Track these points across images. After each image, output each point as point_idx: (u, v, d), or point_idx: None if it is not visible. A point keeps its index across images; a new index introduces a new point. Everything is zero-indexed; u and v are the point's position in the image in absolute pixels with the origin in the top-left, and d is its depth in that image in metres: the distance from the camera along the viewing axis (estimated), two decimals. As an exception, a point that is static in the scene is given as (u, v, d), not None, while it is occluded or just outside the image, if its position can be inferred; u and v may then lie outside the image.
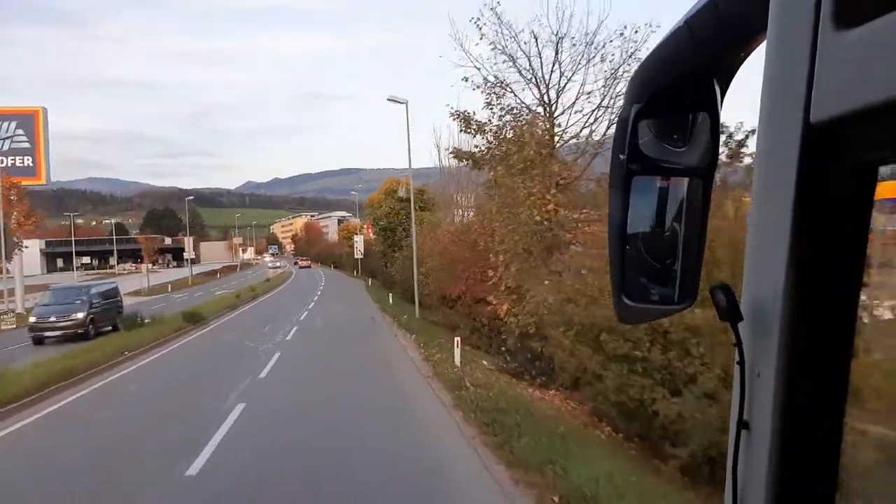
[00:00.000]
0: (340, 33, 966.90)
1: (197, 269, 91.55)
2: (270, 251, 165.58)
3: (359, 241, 62.53)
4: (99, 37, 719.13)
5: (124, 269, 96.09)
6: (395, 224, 46.33)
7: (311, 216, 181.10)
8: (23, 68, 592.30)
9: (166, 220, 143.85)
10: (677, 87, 0.79)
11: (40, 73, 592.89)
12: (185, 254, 66.05)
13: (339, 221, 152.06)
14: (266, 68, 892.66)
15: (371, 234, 57.41)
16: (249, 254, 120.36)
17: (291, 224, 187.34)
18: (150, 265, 63.47)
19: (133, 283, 54.77)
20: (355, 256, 63.35)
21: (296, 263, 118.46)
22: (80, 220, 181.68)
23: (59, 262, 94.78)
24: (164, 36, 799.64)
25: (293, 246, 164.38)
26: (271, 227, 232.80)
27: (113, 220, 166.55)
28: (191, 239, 67.24)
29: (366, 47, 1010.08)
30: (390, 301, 30.85)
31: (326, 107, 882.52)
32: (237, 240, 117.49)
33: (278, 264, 79.51)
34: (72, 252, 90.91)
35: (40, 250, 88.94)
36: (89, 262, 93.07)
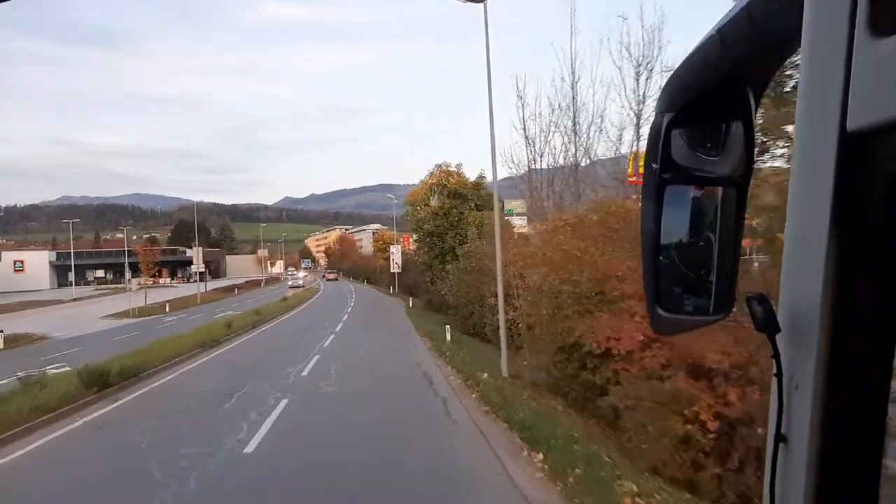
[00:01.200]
0: (376, 47, 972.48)
1: (219, 284, 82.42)
2: (303, 265, 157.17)
3: (396, 251, 51.68)
4: (144, 54, 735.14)
5: (139, 284, 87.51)
6: (444, 227, 35.23)
7: (346, 230, 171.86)
8: (69, 86, 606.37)
9: (195, 233, 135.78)
10: (710, 95, 0.78)
11: (85, 90, 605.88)
12: (193, 266, 55.87)
13: (374, 234, 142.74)
14: (304, 84, 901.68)
15: (410, 245, 46.29)
16: (278, 267, 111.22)
17: (325, 238, 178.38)
18: (147, 280, 53.47)
19: (132, 300, 44.90)
20: (391, 270, 52.55)
21: (323, 276, 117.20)
22: (119, 235, 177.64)
23: (71, 276, 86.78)
24: (206, 53, 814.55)
25: (326, 260, 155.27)
26: (305, 242, 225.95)
27: (144, 235, 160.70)
28: (200, 250, 57.50)
29: (403, 61, 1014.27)
30: (447, 337, 19.65)
31: (364, 122, 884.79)
32: (262, 252, 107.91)
33: (300, 282, 65.01)
34: (84, 265, 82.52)
35: (49, 263, 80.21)
36: (103, 275, 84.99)
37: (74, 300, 59.02)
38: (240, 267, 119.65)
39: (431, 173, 37.24)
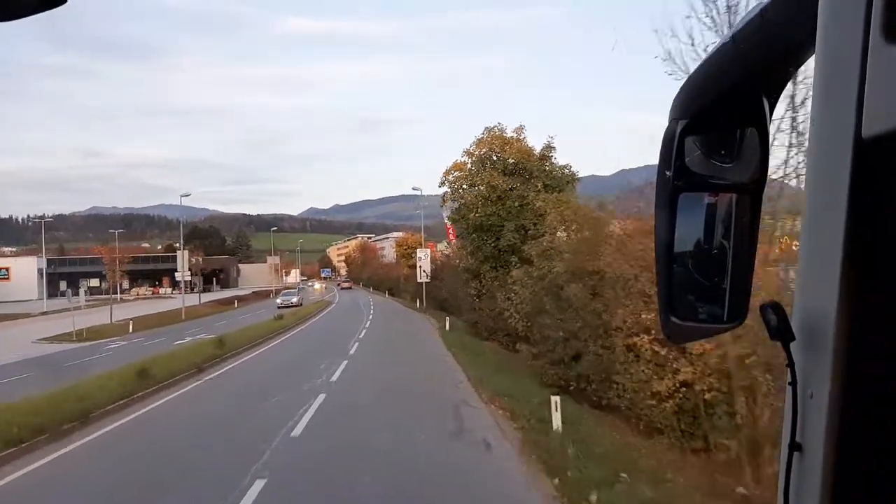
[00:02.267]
0: (399, 59, 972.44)
1: (222, 295, 72.36)
2: (323, 274, 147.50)
3: (424, 257, 40.73)
4: (173, 68, 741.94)
5: (136, 294, 77.73)
6: (499, 217, 24.28)
7: (368, 238, 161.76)
8: (101, 100, 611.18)
9: (209, 240, 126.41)
10: (724, 102, 0.77)
11: (116, 103, 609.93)
12: (178, 274, 45.66)
13: (397, 240, 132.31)
14: (329, 96, 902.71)
15: (453, 239, 35.04)
16: (293, 277, 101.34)
17: (346, 246, 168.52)
18: (145, 290, 43.32)
19: (95, 317, 34.71)
20: (419, 280, 41.63)
21: (338, 285, 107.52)
22: (145, 244, 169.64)
23: (63, 285, 77.67)
24: (234, 67, 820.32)
25: (347, 269, 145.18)
26: (327, 251, 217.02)
27: (163, 243, 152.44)
28: (185, 254, 47.32)
29: (425, 72, 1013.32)
30: (555, 420, 8.52)
31: (387, 132, 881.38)
32: (272, 259, 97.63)
33: (293, 300, 48.30)
34: (78, 273, 73.16)
35: (39, 270, 70.73)
36: (98, 284, 75.93)
37: (44, 314, 48.95)
38: (255, 276, 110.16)
39: (480, 140, 26.12)
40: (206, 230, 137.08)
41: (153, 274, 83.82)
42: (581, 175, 25.88)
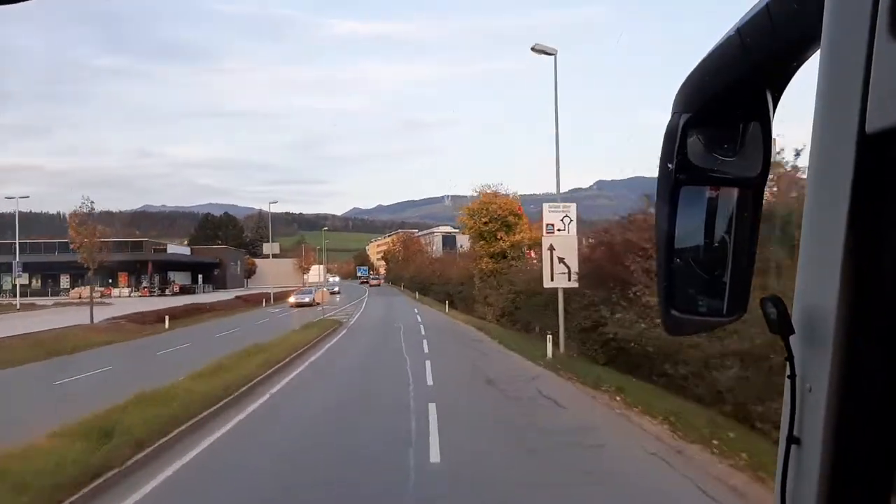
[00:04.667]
0: (443, 60, 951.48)
1: (202, 298, 48.32)
2: (360, 273, 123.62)
3: (566, 233, 15.00)
4: (223, 71, 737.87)
5: (78, 297, 54.26)
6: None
7: (411, 232, 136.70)
8: (156, 101, 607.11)
9: (224, 231, 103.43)
10: (728, 96, 0.76)
11: (169, 105, 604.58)
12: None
13: (445, 239, 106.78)
14: (375, 98, 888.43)
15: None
16: (316, 275, 77.86)
17: (386, 242, 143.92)
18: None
19: None
20: (547, 283, 15.90)
21: (364, 282, 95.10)
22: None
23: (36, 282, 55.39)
24: (279, 68, 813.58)
25: (386, 267, 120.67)
26: (366, 248, 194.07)
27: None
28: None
29: (468, 74, 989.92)
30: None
31: (430, 134, 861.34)
32: (269, 246, 72.03)
33: (307, 298, 40.21)
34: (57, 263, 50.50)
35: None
36: (27, 282, 53.38)
37: None
38: (274, 272, 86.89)
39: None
40: (219, 220, 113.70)
41: (128, 267, 59.97)
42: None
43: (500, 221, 29.54)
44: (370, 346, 20.13)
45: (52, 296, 53.17)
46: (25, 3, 0.81)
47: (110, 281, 58.14)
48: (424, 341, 19.83)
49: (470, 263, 35.20)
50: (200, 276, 67.16)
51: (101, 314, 29.70)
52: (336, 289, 66.95)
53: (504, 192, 30.77)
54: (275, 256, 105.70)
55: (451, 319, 30.42)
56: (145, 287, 57.98)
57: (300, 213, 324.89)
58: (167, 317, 28.57)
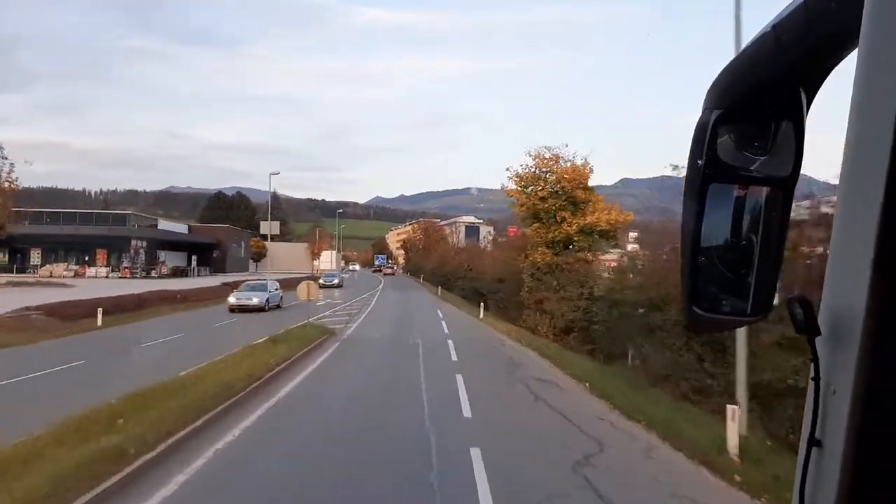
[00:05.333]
0: (467, 54, 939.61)
1: (206, 282, 40.74)
2: (377, 261, 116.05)
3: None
4: (252, 57, 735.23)
5: (49, 275, 46.59)
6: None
7: (434, 221, 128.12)
8: (184, 84, 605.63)
9: (235, 211, 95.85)
10: (761, 93, 0.74)
11: (198, 88, 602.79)
12: None
13: (468, 230, 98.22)
14: (400, 89, 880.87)
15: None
16: (328, 261, 70.57)
17: (406, 231, 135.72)
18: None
19: None
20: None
21: (378, 271, 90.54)
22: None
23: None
24: (309, 58, 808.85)
25: (405, 256, 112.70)
26: (386, 237, 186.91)
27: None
28: None
29: (492, 69, 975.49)
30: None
31: (453, 126, 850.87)
32: (268, 225, 64.33)
33: (255, 300, 25.45)
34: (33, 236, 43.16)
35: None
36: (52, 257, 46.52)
37: None
38: (289, 257, 79.69)
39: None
40: (231, 200, 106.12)
41: (88, 246, 51.58)
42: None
43: (564, 197, 21.03)
44: (366, 389, 11.62)
45: (18, 273, 45.91)
46: None
47: (86, 259, 50.60)
48: (460, 385, 11.39)
49: (512, 255, 26.71)
50: (195, 258, 59.35)
51: (31, 299, 21.99)
52: (336, 280, 52.07)
53: (568, 158, 22.21)
54: (284, 240, 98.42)
55: (491, 332, 21.60)
56: (126, 267, 49.99)
57: (322, 200, 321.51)
58: (100, 311, 20.55)
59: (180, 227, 65.85)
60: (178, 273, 54.43)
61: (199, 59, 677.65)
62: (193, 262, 59.04)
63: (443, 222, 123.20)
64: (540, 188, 21.46)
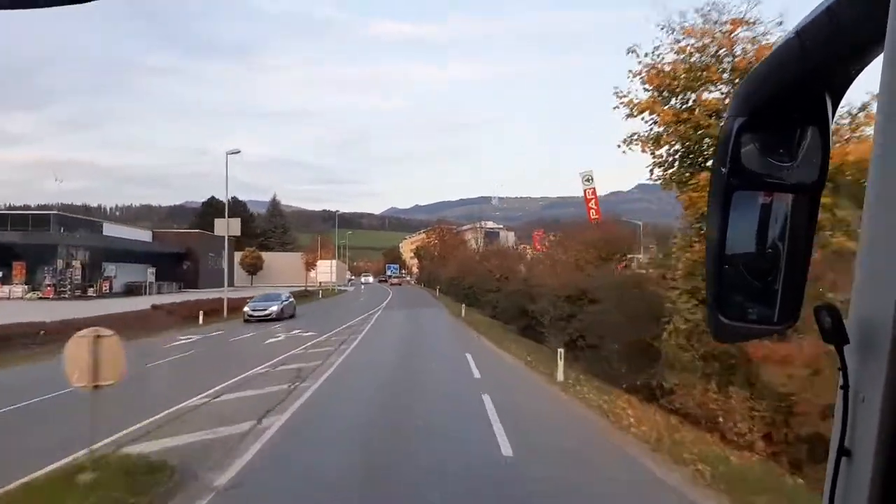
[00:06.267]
0: (480, 64, 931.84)
1: (140, 303, 28.73)
2: (389, 271, 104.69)
3: None
4: (265, 68, 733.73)
5: None
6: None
7: (450, 227, 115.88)
8: (200, 98, 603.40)
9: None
10: (785, 100, 0.72)
11: (209, 102, 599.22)
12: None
13: (487, 234, 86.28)
14: (410, 98, 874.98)
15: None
16: (327, 272, 59.05)
17: (420, 238, 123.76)
18: None
19: None
20: None
21: (385, 281, 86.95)
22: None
23: None
24: (321, 67, 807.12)
25: (419, 265, 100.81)
26: (399, 245, 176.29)
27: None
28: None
29: (505, 77, 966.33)
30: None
31: (466, 135, 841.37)
32: (222, 223, 50.70)
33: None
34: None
35: None
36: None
37: None
38: (289, 267, 68.59)
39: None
40: (223, 206, 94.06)
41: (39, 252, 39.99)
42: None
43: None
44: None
45: None
46: (89, 3, 0.73)
47: (0, 275, 38.34)
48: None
49: (606, 252, 14.22)
50: (152, 272, 47.30)
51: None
52: (274, 308, 28.91)
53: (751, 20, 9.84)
54: (292, 250, 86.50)
55: (618, 441, 8.26)
56: (50, 285, 37.77)
57: (337, 211, 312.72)
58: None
59: (141, 234, 53.98)
60: (133, 291, 42.77)
61: (213, 73, 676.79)
62: (150, 276, 46.72)
63: (462, 227, 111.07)
64: (709, 89, 9.09)
